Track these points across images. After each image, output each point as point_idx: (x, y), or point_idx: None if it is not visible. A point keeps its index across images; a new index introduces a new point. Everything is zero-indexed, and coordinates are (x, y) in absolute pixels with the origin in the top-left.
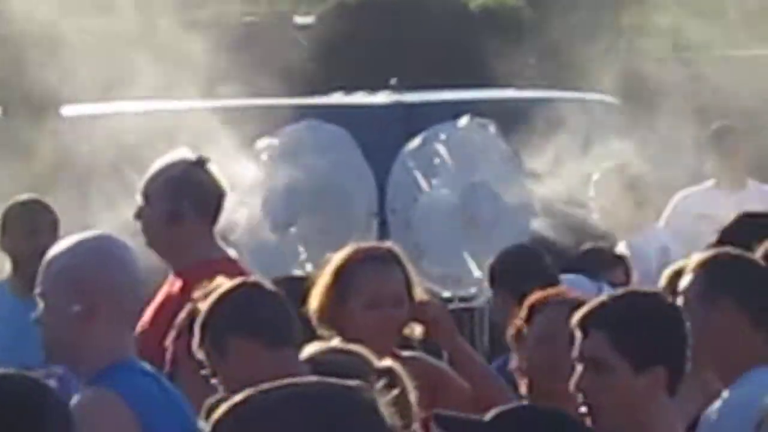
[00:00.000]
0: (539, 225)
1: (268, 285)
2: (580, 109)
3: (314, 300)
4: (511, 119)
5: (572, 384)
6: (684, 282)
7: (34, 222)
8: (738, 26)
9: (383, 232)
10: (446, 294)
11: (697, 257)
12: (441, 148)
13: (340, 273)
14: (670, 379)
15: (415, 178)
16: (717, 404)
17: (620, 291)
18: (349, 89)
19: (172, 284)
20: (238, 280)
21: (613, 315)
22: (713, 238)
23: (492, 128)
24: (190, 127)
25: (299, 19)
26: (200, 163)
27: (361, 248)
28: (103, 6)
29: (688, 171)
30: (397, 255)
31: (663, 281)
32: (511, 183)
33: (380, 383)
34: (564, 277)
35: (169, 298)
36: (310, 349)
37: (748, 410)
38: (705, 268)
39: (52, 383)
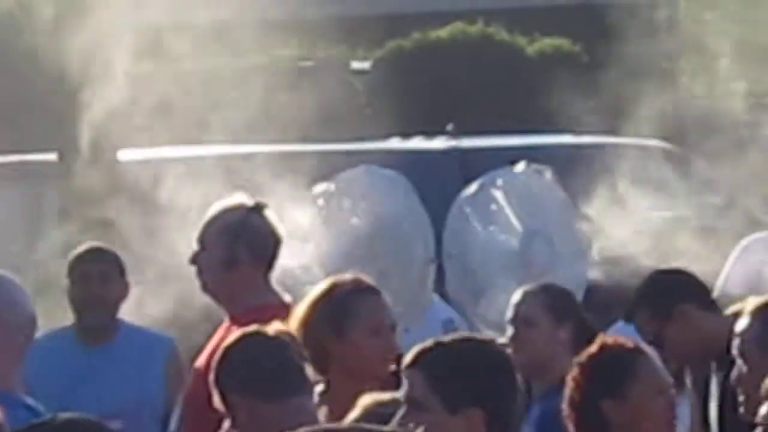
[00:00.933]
0: (597, 272)
1: (272, 334)
2: (637, 155)
3: (307, 336)
4: (568, 165)
5: (394, 422)
6: (741, 325)
7: (105, 271)
8: None
9: (440, 278)
10: (501, 340)
11: (755, 301)
12: (497, 194)
13: (336, 305)
14: (488, 421)
15: (472, 223)
16: None
17: (451, 336)
18: (405, 134)
19: (228, 329)
20: (239, 333)
21: (433, 357)
22: None
23: (549, 174)
24: (247, 172)
25: (356, 64)
26: (257, 209)
27: (345, 280)
28: (159, 50)
29: (747, 217)
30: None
31: None
32: (567, 230)
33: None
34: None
35: (222, 343)
36: (363, 401)
37: None
38: (763, 312)
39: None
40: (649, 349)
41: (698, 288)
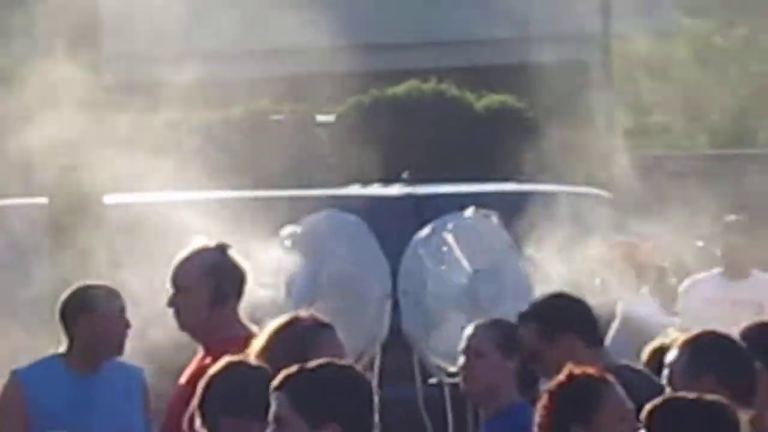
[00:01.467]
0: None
1: (254, 362)
2: (575, 201)
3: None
4: (512, 210)
5: None
6: (670, 357)
7: (123, 308)
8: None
9: (395, 312)
10: (451, 369)
11: (684, 335)
12: (448, 237)
13: (297, 338)
14: None
15: (425, 263)
16: None
17: (317, 362)
18: (365, 182)
19: (202, 359)
20: (224, 361)
21: (296, 379)
22: (721, 319)
23: (495, 218)
24: (220, 216)
25: (320, 118)
26: (224, 248)
27: (304, 316)
28: (141, 104)
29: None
30: None
31: (645, 355)
32: (511, 269)
33: None
34: None
35: (200, 372)
36: None
37: None
38: (690, 345)
39: None
40: (613, 379)
41: (589, 323)
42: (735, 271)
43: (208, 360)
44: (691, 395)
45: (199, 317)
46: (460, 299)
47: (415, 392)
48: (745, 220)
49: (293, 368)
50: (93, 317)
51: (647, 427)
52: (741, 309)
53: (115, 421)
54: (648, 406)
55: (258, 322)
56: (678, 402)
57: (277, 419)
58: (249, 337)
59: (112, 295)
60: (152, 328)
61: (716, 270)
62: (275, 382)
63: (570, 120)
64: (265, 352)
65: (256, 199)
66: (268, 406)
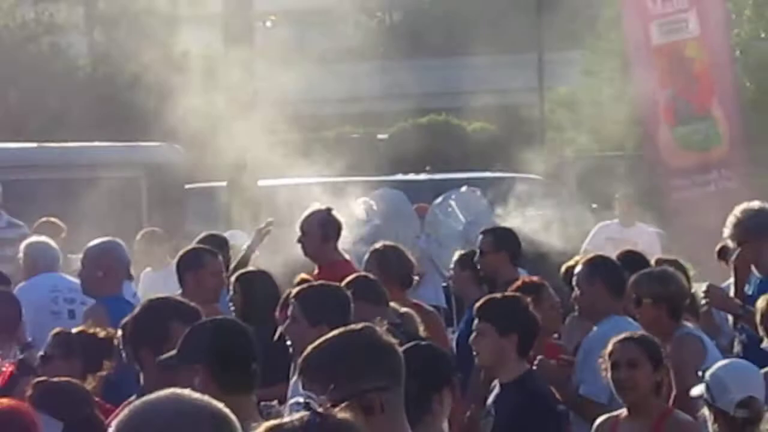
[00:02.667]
0: None
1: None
2: (521, 184)
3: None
4: (486, 187)
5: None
6: (576, 269)
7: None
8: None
9: (422, 246)
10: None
11: (585, 257)
12: (452, 202)
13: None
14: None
15: (438, 217)
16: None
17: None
18: (405, 172)
19: (318, 275)
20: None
21: (305, 291)
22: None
23: (478, 192)
24: (326, 192)
25: (380, 135)
26: (329, 210)
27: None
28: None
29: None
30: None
31: (563, 269)
32: (486, 220)
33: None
34: None
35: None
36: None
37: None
38: (588, 263)
39: None
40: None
41: (518, 245)
42: (625, 222)
43: (320, 273)
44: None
45: (315, 249)
46: (458, 237)
47: (433, 291)
48: (630, 193)
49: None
50: (197, 273)
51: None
52: (625, 245)
53: None
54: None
55: (347, 252)
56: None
57: (292, 317)
58: (344, 261)
59: (214, 255)
60: (289, 257)
61: (614, 221)
62: (292, 292)
63: (524, 135)
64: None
65: (346, 183)
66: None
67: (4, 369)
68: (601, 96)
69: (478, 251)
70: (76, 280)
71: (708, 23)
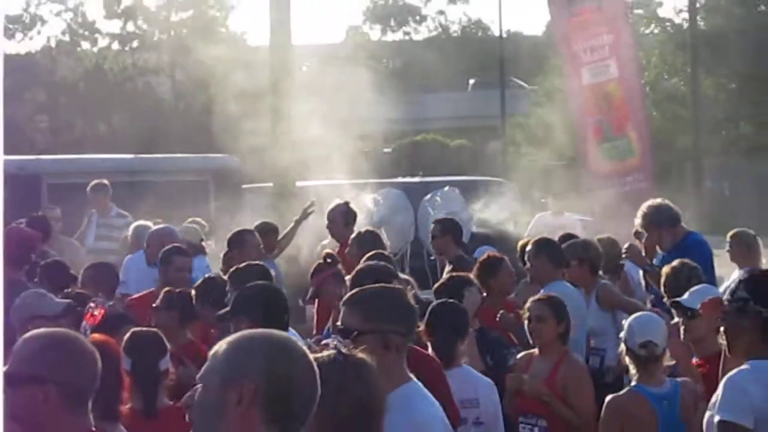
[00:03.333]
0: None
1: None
2: (488, 185)
3: None
4: (463, 188)
5: None
6: (528, 248)
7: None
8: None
9: (416, 230)
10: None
11: (532, 239)
12: (438, 198)
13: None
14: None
15: (428, 209)
16: None
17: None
18: (404, 176)
19: (341, 251)
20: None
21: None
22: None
23: (457, 191)
24: (347, 191)
25: (385, 149)
26: (347, 203)
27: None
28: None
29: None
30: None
31: (518, 247)
32: (464, 213)
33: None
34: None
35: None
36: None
37: None
38: (535, 243)
39: None
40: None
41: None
42: (555, 213)
43: (341, 249)
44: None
45: (338, 232)
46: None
47: (424, 264)
48: (560, 192)
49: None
50: (241, 251)
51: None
52: (556, 229)
53: None
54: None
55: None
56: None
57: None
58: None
59: (253, 235)
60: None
61: (548, 212)
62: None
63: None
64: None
65: (362, 183)
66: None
67: (97, 312)
68: (548, 121)
69: (430, 236)
70: None
71: (624, 68)
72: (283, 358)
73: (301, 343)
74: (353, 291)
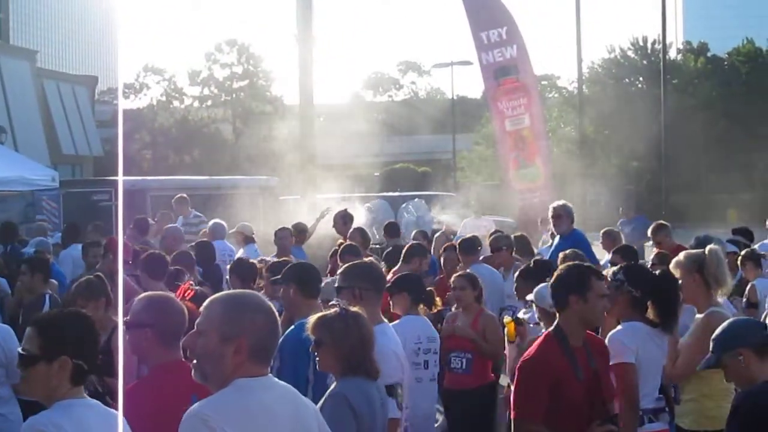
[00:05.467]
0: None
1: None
2: (444, 198)
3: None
4: (427, 200)
5: None
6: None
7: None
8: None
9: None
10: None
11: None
12: (410, 206)
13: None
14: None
15: (405, 214)
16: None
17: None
18: (388, 192)
19: (341, 241)
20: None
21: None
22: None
23: (424, 202)
24: (348, 201)
25: (376, 173)
26: (347, 209)
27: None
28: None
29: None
30: None
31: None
32: (428, 216)
33: None
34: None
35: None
36: None
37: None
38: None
39: None
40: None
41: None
42: (477, 216)
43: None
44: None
45: (341, 229)
46: (413, 225)
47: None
48: (484, 203)
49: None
50: (282, 242)
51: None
52: (478, 228)
53: None
54: None
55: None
56: None
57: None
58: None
59: (289, 231)
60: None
61: (472, 216)
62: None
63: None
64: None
65: (359, 196)
66: None
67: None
68: (483, 155)
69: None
70: (230, 245)
71: (534, 119)
72: (261, 316)
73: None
74: (343, 268)
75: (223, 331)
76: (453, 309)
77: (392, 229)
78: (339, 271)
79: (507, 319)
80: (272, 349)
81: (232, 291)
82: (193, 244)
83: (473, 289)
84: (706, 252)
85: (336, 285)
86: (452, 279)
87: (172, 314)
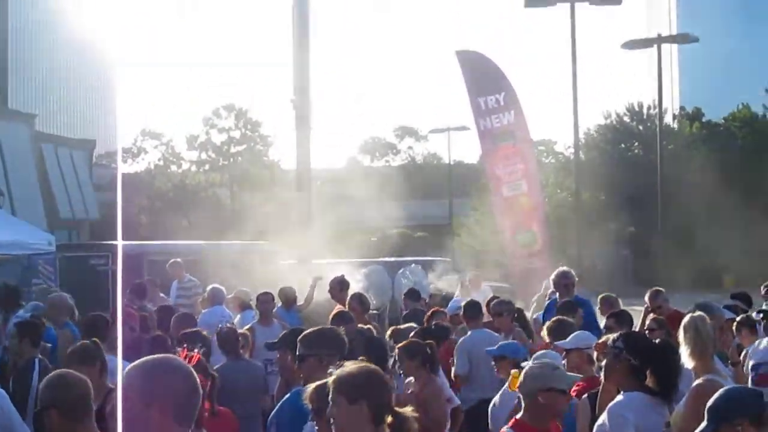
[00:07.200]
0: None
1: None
2: (440, 263)
3: None
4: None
5: None
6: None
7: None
8: None
9: (392, 293)
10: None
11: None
12: (407, 272)
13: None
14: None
15: (401, 279)
16: None
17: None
18: (384, 256)
19: (337, 306)
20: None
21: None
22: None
23: (420, 267)
24: (344, 266)
25: (372, 238)
26: (343, 275)
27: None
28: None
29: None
30: None
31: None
32: (425, 282)
33: None
34: None
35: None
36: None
37: None
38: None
39: None
40: None
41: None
42: (473, 285)
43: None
44: None
45: (336, 295)
46: (410, 286)
47: (398, 315)
48: (480, 270)
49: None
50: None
51: None
52: (477, 295)
53: None
54: None
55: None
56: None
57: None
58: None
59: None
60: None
61: (467, 282)
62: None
63: (442, 239)
64: None
65: (356, 262)
66: None
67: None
68: (480, 220)
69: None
70: (228, 311)
71: (531, 185)
72: (179, 378)
73: None
74: (306, 333)
75: (144, 395)
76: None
77: (413, 295)
78: (299, 339)
79: (515, 372)
80: (194, 410)
81: (150, 357)
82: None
83: (410, 360)
84: (684, 320)
85: (298, 353)
86: (396, 349)
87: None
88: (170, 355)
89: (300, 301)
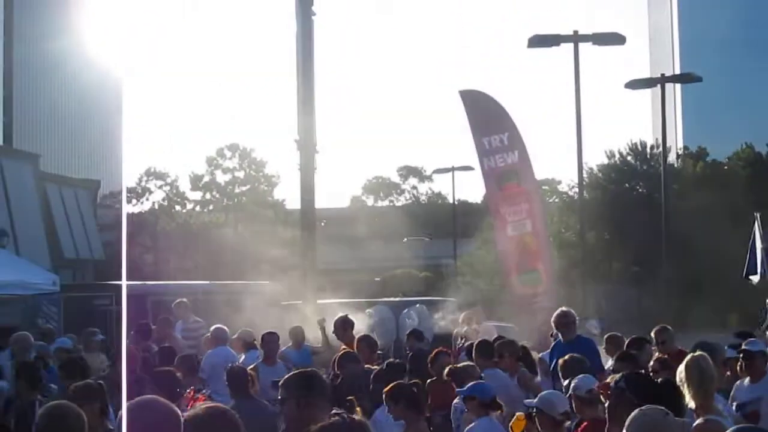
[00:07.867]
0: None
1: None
2: (445, 303)
3: None
4: (428, 305)
5: None
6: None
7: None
8: None
9: (397, 333)
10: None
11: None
12: (412, 312)
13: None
14: None
15: (406, 320)
16: None
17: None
18: (389, 296)
19: (343, 347)
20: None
21: None
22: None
23: (425, 307)
24: (349, 306)
25: (376, 278)
26: (347, 315)
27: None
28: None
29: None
30: None
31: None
32: (429, 322)
33: None
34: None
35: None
36: None
37: None
38: (478, 343)
39: None
40: None
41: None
42: (479, 322)
43: (346, 346)
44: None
45: (341, 335)
46: (415, 325)
47: (402, 352)
48: (479, 308)
49: None
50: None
51: None
52: (483, 333)
53: None
54: None
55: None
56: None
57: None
58: (356, 339)
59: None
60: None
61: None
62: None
63: (446, 279)
64: None
65: (361, 301)
66: None
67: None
68: (485, 260)
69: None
70: (234, 352)
71: (536, 224)
72: (160, 417)
73: None
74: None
75: None
76: None
77: (417, 335)
78: (280, 383)
79: (520, 414)
80: None
81: (139, 398)
82: (179, 356)
83: (395, 404)
84: (686, 359)
85: (279, 397)
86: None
87: None
88: (156, 398)
89: (308, 341)
